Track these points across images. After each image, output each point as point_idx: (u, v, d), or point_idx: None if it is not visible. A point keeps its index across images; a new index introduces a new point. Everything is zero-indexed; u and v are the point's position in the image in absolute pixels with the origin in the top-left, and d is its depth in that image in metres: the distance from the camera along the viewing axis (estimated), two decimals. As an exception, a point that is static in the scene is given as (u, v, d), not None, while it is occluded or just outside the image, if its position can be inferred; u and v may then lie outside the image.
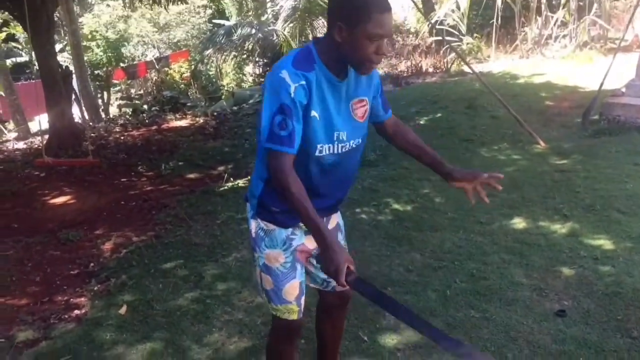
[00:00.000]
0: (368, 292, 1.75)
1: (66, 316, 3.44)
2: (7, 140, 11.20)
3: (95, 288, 3.77)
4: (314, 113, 1.81)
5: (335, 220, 2.21)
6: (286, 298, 2.07)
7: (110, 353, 3.00)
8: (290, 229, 2.03)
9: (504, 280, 3.40)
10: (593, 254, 3.58)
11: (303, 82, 1.76)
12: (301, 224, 2.00)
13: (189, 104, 13.25)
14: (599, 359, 2.60)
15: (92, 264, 4.21)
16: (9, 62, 15.22)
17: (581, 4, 12.89)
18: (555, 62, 11.84)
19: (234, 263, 3.98)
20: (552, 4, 13.68)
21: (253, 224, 2.07)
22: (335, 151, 1.90)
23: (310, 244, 2.06)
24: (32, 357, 2.99)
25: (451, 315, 3.07)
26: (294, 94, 1.74)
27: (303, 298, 2.13)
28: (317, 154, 1.87)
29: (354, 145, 1.96)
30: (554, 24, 13.07)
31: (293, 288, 2.07)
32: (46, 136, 8.50)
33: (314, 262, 2.15)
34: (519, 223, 4.21)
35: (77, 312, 3.49)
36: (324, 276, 2.17)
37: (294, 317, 2.12)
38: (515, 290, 3.28)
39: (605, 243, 3.71)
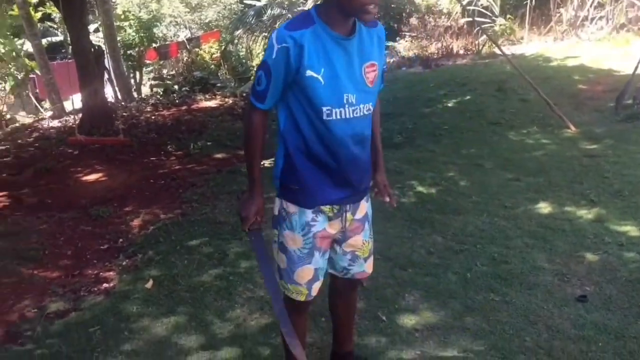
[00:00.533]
0: (257, 249, 2.10)
1: (95, 289, 3.56)
2: (42, 119, 11.47)
3: (124, 263, 3.88)
4: (310, 73, 1.80)
5: (365, 209, 2.17)
6: (297, 280, 2.10)
7: (137, 325, 3.10)
8: (311, 214, 2.02)
9: (525, 264, 3.39)
10: (618, 240, 3.53)
11: (286, 45, 1.77)
12: (323, 208, 2.02)
13: (218, 85, 13.33)
14: (619, 344, 2.59)
15: (121, 240, 4.34)
16: (44, 41, 15.50)
17: (620, -16, 12.49)
18: (591, 44, 11.54)
19: (257, 242, 4.03)
20: (590, -15, 13.28)
21: (277, 203, 2.11)
22: (346, 115, 1.88)
23: (332, 229, 2.07)
24: (62, 327, 3.11)
25: (470, 297, 3.08)
26: (275, 54, 1.79)
27: (317, 284, 2.15)
28: (325, 117, 1.87)
29: (365, 112, 1.94)
30: (591, 5, 12.69)
31: (306, 272, 2.09)
32: (79, 115, 8.69)
33: (337, 249, 2.16)
34: (544, 208, 4.17)
35: (105, 285, 3.61)
36: (344, 264, 2.19)
37: (301, 298, 2.14)
38: (536, 274, 3.26)
39: (631, 229, 3.66)
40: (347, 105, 1.88)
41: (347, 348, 2.52)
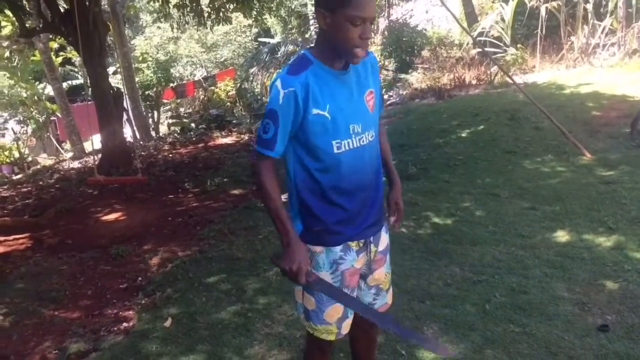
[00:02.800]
0: (328, 290, 1.98)
1: (115, 328, 3.59)
2: (63, 160, 11.71)
3: (143, 301, 3.92)
4: (317, 111, 1.85)
5: (385, 241, 2.18)
6: (327, 320, 2.07)
7: (156, 364, 3.12)
8: (339, 252, 2.01)
9: (545, 294, 3.35)
10: (638, 267, 3.48)
11: (293, 88, 1.81)
12: (351, 243, 2.02)
13: (234, 122, 13.55)
14: (642, 375, 2.54)
15: (139, 278, 4.38)
16: (65, 84, 15.93)
17: (630, 10, 12.52)
18: (603, 71, 11.53)
19: (274, 277, 4.05)
20: (600, 12, 13.33)
21: None
22: (354, 145, 1.93)
23: (359, 264, 2.07)
24: (83, 368, 3.15)
25: (489, 329, 3.05)
26: (282, 100, 1.82)
27: (347, 321, 2.11)
28: (336, 151, 1.90)
29: (370, 138, 1.98)
30: (602, 32, 12.74)
31: (336, 311, 2.06)
32: (99, 155, 8.87)
33: (362, 284, 2.15)
34: (562, 236, 4.13)
35: (125, 324, 3.64)
36: (369, 299, 2.18)
37: (332, 338, 2.10)
38: (556, 304, 3.23)
39: (651, 256, 3.61)
40: (353, 136, 1.93)
41: None
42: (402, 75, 14.42)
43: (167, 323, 3.54)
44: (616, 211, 4.42)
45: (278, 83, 1.83)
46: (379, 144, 2.10)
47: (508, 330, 3.03)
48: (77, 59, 17.36)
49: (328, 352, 2.25)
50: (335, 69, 1.88)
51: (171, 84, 17.56)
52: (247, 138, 10.79)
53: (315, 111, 1.85)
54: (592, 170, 5.62)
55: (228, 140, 10.94)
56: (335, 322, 2.08)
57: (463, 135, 7.93)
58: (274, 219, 1.95)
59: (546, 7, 12.84)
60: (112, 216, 6.41)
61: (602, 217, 4.33)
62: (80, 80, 19.64)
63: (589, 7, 12.59)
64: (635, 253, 3.69)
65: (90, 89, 8.90)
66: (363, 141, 1.95)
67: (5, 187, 9.26)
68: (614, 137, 6.79)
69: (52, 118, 16.14)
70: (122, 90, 9.73)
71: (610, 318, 3.03)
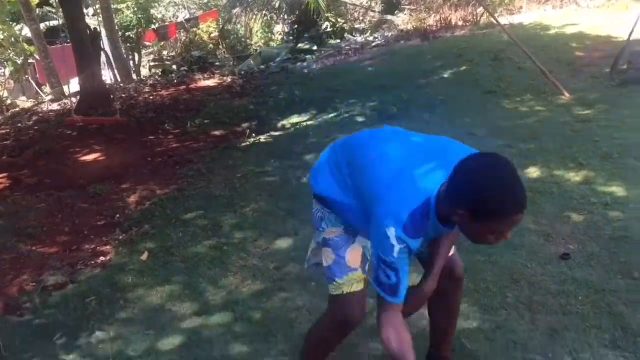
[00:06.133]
0: None
1: (92, 262, 3.66)
2: (42, 102, 11.54)
3: (120, 237, 3.97)
4: None
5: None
6: (351, 265, 1.93)
7: (132, 295, 3.20)
8: None
9: (512, 226, 3.43)
10: (604, 200, 3.57)
11: (408, 244, 1.63)
12: None
13: (217, 64, 13.33)
14: (597, 297, 2.65)
15: (117, 215, 4.42)
16: (43, 26, 15.47)
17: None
18: (590, 11, 11.42)
19: (251, 213, 4.12)
20: (589, -50, 13.07)
21: (314, 206, 2.03)
22: None
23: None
24: (60, 298, 3.22)
25: (456, 259, 3.13)
26: (397, 254, 1.63)
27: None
28: None
29: None
30: (590, -29, 12.52)
31: (356, 253, 1.94)
32: (77, 97, 8.74)
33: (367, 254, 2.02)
34: (533, 172, 4.20)
35: (102, 258, 3.70)
36: None
37: (361, 286, 1.95)
38: (522, 235, 3.31)
39: (617, 190, 3.70)
40: None
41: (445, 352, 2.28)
42: (388, 17, 14.18)
43: (144, 256, 3.61)
44: (588, 148, 4.48)
45: (391, 235, 1.61)
46: None
47: (474, 259, 3.11)
48: (54, -2, 16.83)
49: (351, 329, 2.01)
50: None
51: (152, 26, 17.13)
52: (229, 80, 10.64)
53: None
54: (569, 109, 5.66)
55: (210, 82, 10.78)
56: (360, 267, 1.95)
57: (445, 76, 7.89)
58: None
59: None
60: (91, 157, 6.38)
61: (573, 154, 4.40)
62: (58, 21, 19.09)
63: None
64: (602, 187, 3.77)
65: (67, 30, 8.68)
66: None
67: (-16, 129, 9.15)
68: (595, 77, 6.80)
69: (31, 60, 15.75)
70: (99, 30, 9.50)
71: (572, 247, 3.13)
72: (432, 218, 1.63)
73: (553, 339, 2.44)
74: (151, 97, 9.83)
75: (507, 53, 8.21)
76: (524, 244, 3.23)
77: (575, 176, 4.01)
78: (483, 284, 2.88)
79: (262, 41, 17.08)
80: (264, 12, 15.81)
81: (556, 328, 2.50)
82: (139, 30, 16.51)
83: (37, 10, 15.64)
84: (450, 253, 2.01)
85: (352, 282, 1.93)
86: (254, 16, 16.00)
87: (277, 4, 15.14)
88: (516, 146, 4.77)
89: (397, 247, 1.61)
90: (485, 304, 2.70)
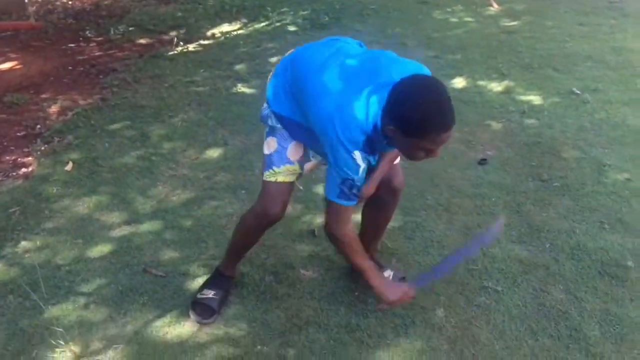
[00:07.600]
0: (432, 277, 2.18)
1: (13, 174, 3.53)
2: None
3: (42, 148, 3.82)
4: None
5: None
6: (289, 157, 2.02)
7: (57, 205, 3.15)
8: None
9: (436, 134, 3.57)
10: (521, 108, 3.76)
11: (369, 161, 1.79)
12: None
13: (141, -33, 12.46)
14: (509, 198, 2.86)
15: (38, 126, 4.23)
16: None
17: None
18: None
19: (180, 123, 4.05)
20: None
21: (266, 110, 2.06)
22: None
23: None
24: (-21, 211, 3.12)
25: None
26: (362, 172, 1.78)
27: (309, 165, 2.09)
28: None
29: None
30: None
31: (298, 148, 2.03)
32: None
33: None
34: (459, 82, 4.33)
35: (24, 170, 3.58)
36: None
37: (292, 179, 2.07)
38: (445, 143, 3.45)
39: (534, 98, 3.89)
40: None
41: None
42: None
43: (68, 167, 3.51)
44: (511, 59, 4.63)
45: (357, 157, 1.74)
46: None
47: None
48: None
49: (269, 226, 2.16)
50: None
51: None
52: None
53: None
54: (496, 21, 5.77)
55: (134, -14, 10.15)
56: (297, 161, 2.04)
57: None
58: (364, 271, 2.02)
59: None
60: (6, 65, 5.97)
61: (497, 65, 4.54)
62: None
63: None
64: (521, 96, 3.95)
65: None
66: None
67: None
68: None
69: None
70: None
71: (490, 153, 3.32)
72: (380, 136, 1.75)
73: (467, 237, 2.63)
74: (70, 3, 9.17)
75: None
76: (446, 150, 3.37)
77: (497, 86, 4.16)
78: (405, 189, 3.00)
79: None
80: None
81: (470, 227, 2.69)
82: None
83: None
84: (395, 162, 2.20)
85: (287, 172, 2.04)
86: None
87: None
88: (444, 57, 4.86)
89: (362, 166, 1.76)
90: (406, 206, 2.85)
